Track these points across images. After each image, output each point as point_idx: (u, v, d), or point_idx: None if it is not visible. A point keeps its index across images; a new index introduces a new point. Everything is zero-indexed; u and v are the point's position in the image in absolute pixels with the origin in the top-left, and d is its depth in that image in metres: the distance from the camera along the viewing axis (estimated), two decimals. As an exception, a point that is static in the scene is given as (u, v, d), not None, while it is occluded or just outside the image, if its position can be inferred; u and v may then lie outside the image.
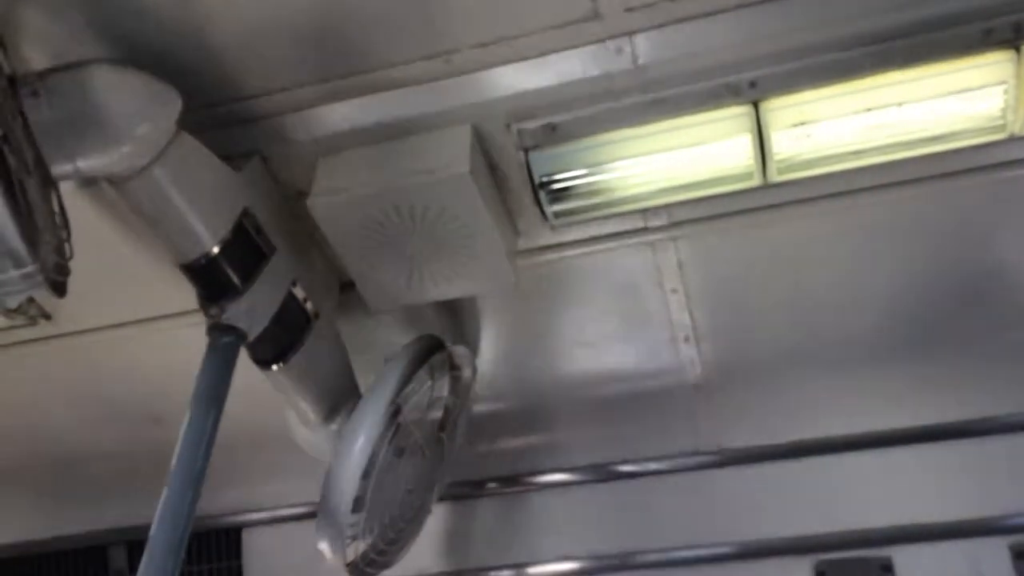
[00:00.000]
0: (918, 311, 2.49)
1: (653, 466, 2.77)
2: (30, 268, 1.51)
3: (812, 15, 1.89)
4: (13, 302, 1.57)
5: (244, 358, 2.11)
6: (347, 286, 2.42)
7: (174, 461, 1.89)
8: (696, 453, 2.75)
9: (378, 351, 2.63)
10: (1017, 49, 1.85)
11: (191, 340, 2.09)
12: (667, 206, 2.26)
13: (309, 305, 2.25)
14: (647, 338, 2.64)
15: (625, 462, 2.80)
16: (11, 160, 1.53)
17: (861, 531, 2.57)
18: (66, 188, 1.88)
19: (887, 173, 2.14)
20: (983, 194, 2.24)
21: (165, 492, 1.87)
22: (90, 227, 2.20)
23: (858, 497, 2.59)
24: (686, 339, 2.63)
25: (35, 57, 1.73)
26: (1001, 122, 1.94)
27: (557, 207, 2.19)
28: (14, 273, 1.50)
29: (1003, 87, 1.88)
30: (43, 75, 1.70)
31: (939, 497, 2.54)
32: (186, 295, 2.08)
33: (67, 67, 1.72)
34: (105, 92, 1.72)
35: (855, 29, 1.89)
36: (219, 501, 2.94)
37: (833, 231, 2.35)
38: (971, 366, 2.55)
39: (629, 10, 1.91)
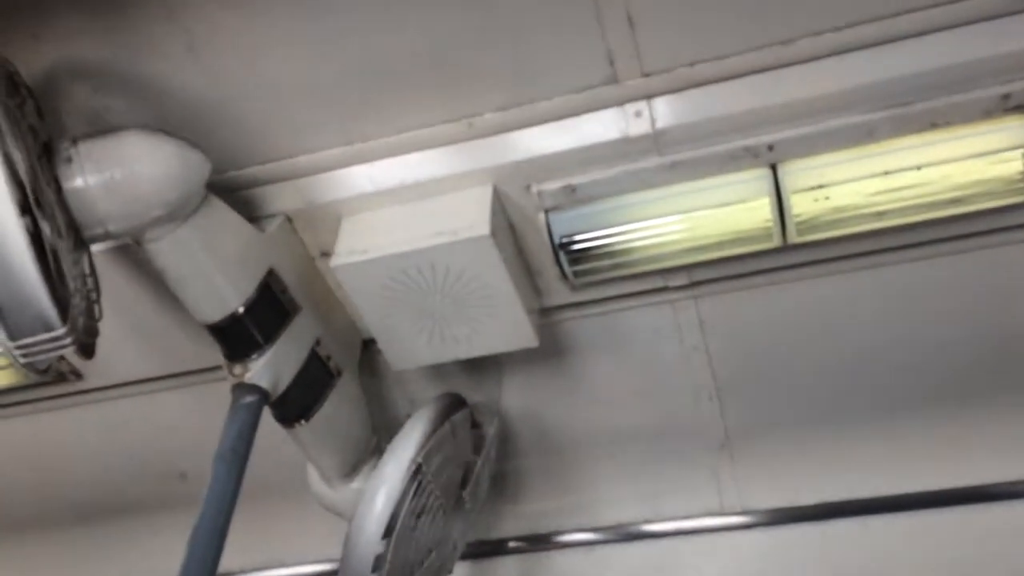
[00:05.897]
0: (942, 371, 2.46)
1: (676, 526, 2.74)
2: (59, 331, 1.54)
3: (828, 79, 1.91)
4: (43, 364, 1.60)
5: (266, 413, 2.13)
6: (369, 343, 2.44)
7: (196, 520, 1.88)
8: (720, 513, 2.72)
9: (400, 408, 2.65)
10: (1035, 113, 1.86)
11: (218, 396, 2.11)
12: (687, 266, 2.26)
13: (332, 363, 2.28)
14: (669, 396, 2.62)
15: (648, 522, 2.77)
16: (43, 225, 1.57)
17: (890, 595, 2.52)
18: (96, 248, 1.93)
19: (907, 234, 2.14)
20: (1003, 254, 2.22)
21: (187, 551, 1.86)
22: (119, 286, 2.26)
23: (884, 560, 2.53)
24: (709, 398, 2.61)
25: (70, 124, 1.78)
26: (1021, 185, 1.94)
27: (577, 267, 2.20)
28: (43, 336, 1.53)
29: (1021, 151, 1.88)
30: (77, 141, 1.74)
31: (968, 561, 2.47)
32: (214, 351, 2.11)
33: (101, 133, 1.77)
34: (137, 158, 1.76)
35: (872, 93, 1.91)
36: (239, 556, 2.94)
37: (854, 291, 2.33)
38: (1000, 428, 2.51)
39: (647, 75, 1.95)
